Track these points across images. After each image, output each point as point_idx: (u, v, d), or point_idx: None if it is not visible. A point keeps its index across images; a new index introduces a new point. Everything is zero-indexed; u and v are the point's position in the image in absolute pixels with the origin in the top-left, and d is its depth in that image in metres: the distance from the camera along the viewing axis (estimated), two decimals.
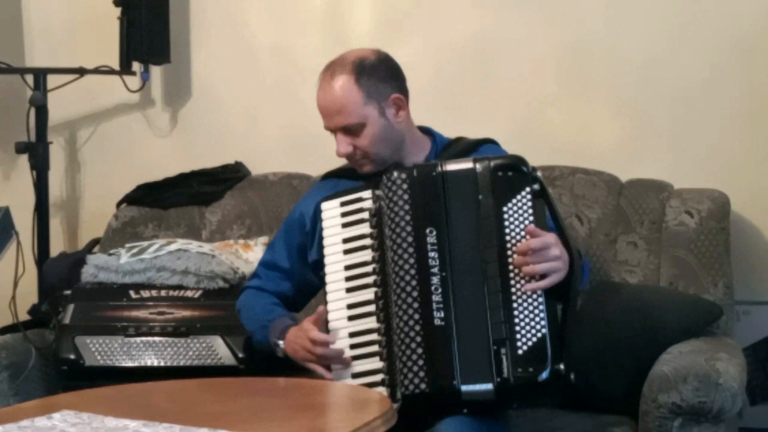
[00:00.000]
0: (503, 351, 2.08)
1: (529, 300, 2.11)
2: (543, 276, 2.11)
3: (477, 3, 3.25)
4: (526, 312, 2.11)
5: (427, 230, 2.16)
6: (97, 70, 3.49)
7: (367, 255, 2.22)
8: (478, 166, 2.19)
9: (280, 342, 2.34)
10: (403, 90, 2.39)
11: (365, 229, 2.24)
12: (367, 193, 2.26)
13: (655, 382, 2.40)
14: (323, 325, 2.25)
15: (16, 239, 2.95)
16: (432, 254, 2.15)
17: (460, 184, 2.18)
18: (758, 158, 3.01)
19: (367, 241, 2.23)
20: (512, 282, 2.12)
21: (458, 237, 2.16)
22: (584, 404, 2.54)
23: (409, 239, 2.16)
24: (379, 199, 2.23)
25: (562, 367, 2.08)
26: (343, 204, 2.28)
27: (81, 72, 3.46)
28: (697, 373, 2.35)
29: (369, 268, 2.21)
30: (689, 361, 2.41)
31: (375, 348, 2.18)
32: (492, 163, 2.19)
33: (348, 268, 2.24)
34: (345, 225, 2.27)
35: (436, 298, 2.13)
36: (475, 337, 2.11)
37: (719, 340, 2.66)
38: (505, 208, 2.15)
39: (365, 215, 2.25)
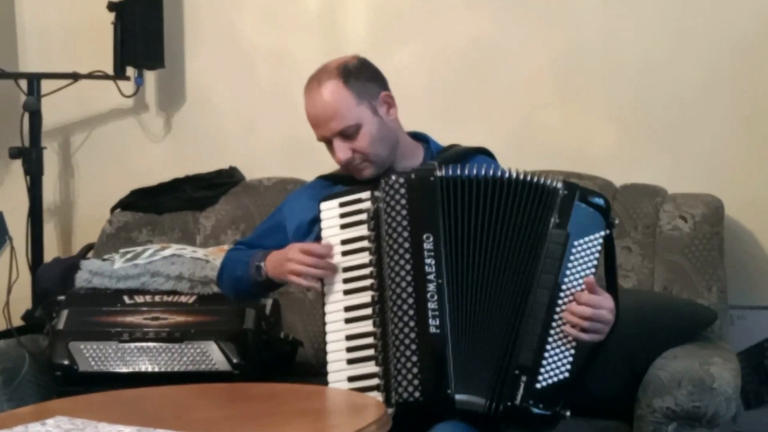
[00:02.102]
0: (523, 378, 2.08)
1: (564, 341, 2.11)
2: (584, 329, 2.10)
3: (473, 8, 3.25)
4: (557, 351, 2.10)
5: (424, 236, 2.15)
6: (91, 75, 3.49)
7: (364, 258, 2.21)
8: (565, 191, 2.15)
9: (261, 263, 2.32)
10: (389, 90, 2.39)
11: (363, 230, 2.23)
12: (366, 194, 2.24)
13: (649, 386, 2.40)
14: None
15: (9, 245, 2.94)
16: (428, 261, 2.14)
17: (536, 198, 2.15)
18: (752, 163, 3.02)
19: (365, 243, 2.22)
20: (555, 317, 2.11)
21: (491, 244, 2.14)
22: (579, 409, 2.53)
23: (406, 245, 2.15)
24: (377, 200, 2.22)
25: (567, 414, 2.10)
26: (342, 204, 2.26)
27: (75, 77, 3.46)
28: (692, 378, 2.35)
29: (366, 271, 2.20)
30: (684, 366, 2.41)
31: (371, 352, 2.17)
32: (579, 192, 2.16)
33: (346, 270, 2.23)
34: (343, 226, 2.25)
35: (431, 305, 2.12)
36: (477, 348, 2.11)
37: (713, 345, 2.66)
38: (576, 243, 2.13)
39: (364, 216, 2.23)
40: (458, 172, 2.19)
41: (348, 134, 2.30)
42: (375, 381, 2.14)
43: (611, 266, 2.19)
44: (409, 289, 2.13)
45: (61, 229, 3.72)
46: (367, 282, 2.20)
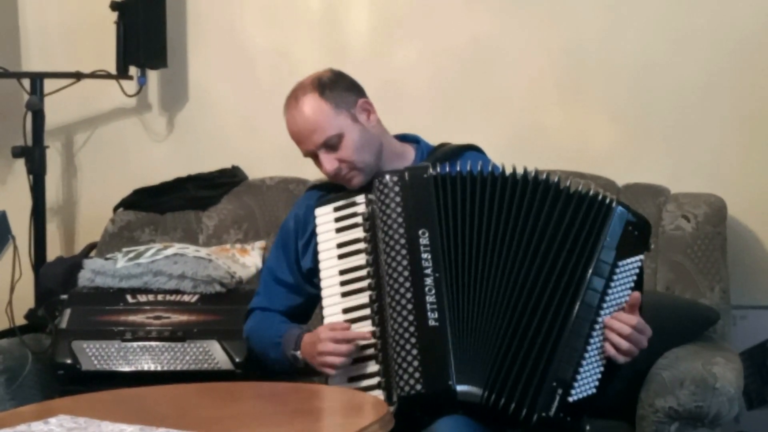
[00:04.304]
0: (559, 391, 2.09)
1: (598, 357, 2.12)
2: (620, 349, 2.12)
3: (474, 8, 3.25)
4: (590, 367, 2.12)
5: (420, 232, 2.16)
6: (93, 75, 3.49)
7: (361, 259, 2.22)
8: (617, 209, 2.17)
9: (297, 352, 2.30)
10: (366, 97, 2.39)
11: (359, 233, 2.24)
12: (360, 198, 2.26)
13: (652, 386, 2.40)
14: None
15: (12, 243, 2.94)
16: (425, 255, 2.15)
17: (591, 213, 2.17)
18: (755, 163, 3.02)
19: (361, 245, 2.23)
20: (593, 333, 2.12)
21: (493, 241, 2.15)
22: None
23: (402, 241, 2.17)
24: (372, 203, 2.23)
25: (588, 428, 2.14)
26: (336, 209, 2.28)
27: (78, 76, 3.46)
28: (694, 378, 2.35)
29: (363, 272, 2.21)
30: (686, 366, 2.41)
31: (371, 351, 2.17)
32: (629, 215, 2.18)
33: (342, 272, 2.24)
34: (339, 230, 2.27)
35: (429, 299, 2.12)
36: (479, 340, 2.11)
37: (716, 345, 2.66)
38: (620, 263, 2.15)
39: (359, 219, 2.25)
40: (455, 168, 2.20)
41: (331, 145, 2.31)
42: (376, 380, 2.15)
43: (642, 287, 2.19)
44: (407, 284, 2.14)
45: (63, 228, 3.72)
46: (365, 283, 2.20)
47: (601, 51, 3.14)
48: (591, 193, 2.18)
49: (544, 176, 2.19)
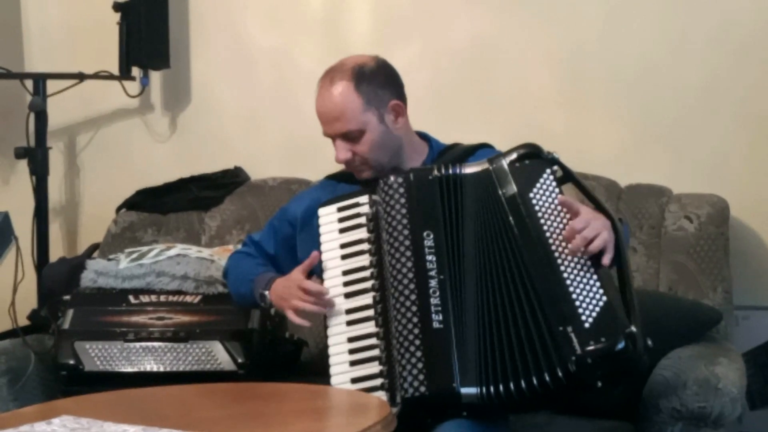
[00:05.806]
0: (569, 329, 2.01)
1: (581, 274, 2.07)
2: (600, 254, 2.08)
3: (474, 8, 3.25)
4: (581, 286, 2.06)
5: (425, 234, 2.17)
6: (96, 76, 3.49)
7: (364, 260, 2.23)
8: (493, 165, 2.21)
9: (266, 292, 2.34)
10: (402, 96, 2.39)
11: (363, 234, 2.24)
12: (364, 198, 2.26)
13: (654, 387, 2.40)
14: (316, 279, 2.28)
15: (15, 244, 2.94)
16: (429, 257, 2.15)
17: (480, 185, 2.19)
18: (757, 163, 3.01)
19: (365, 246, 2.23)
20: (558, 261, 2.08)
21: (473, 239, 2.16)
22: (584, 409, 2.53)
23: (407, 243, 2.17)
24: (376, 203, 2.23)
25: (633, 329, 2.00)
26: (340, 209, 2.29)
27: (80, 77, 3.47)
28: (697, 378, 2.35)
29: (367, 273, 2.22)
30: (689, 366, 2.41)
31: (374, 352, 2.17)
32: (506, 159, 2.21)
33: (346, 273, 2.24)
34: (342, 230, 2.27)
35: (434, 301, 2.12)
36: (482, 339, 2.10)
37: (719, 345, 2.66)
38: (531, 195, 2.15)
39: (362, 220, 2.25)
40: (457, 170, 2.20)
41: (351, 137, 2.32)
42: (379, 381, 2.15)
43: (582, 188, 2.20)
44: (411, 286, 2.14)
45: (66, 229, 3.72)
46: (368, 284, 2.21)
47: (603, 52, 3.14)
48: (476, 171, 2.22)
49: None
